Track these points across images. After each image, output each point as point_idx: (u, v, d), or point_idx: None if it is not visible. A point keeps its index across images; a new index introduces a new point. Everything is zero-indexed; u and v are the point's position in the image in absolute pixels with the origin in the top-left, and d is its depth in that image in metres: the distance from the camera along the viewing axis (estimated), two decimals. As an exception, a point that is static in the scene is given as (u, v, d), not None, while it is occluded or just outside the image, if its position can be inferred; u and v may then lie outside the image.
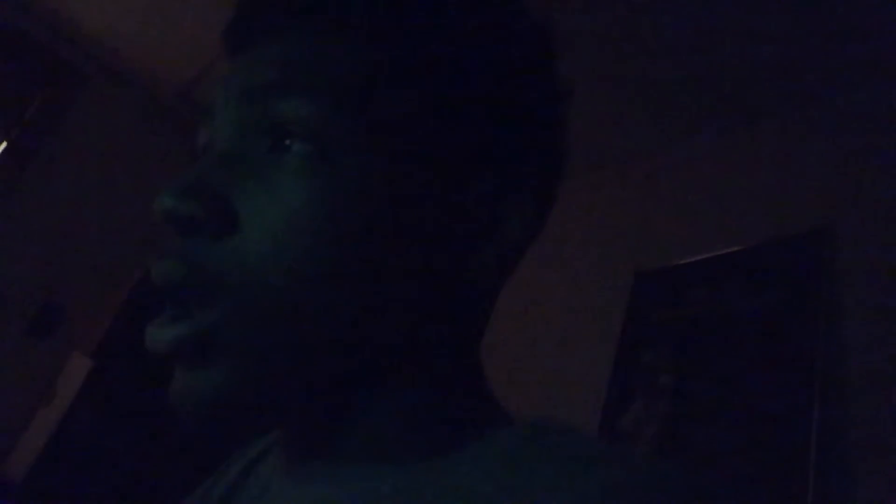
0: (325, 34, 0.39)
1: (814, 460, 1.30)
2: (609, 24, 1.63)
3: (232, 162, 0.38)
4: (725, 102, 1.76)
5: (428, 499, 0.35)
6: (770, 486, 1.35)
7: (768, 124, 1.76)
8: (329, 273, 0.36)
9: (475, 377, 0.44)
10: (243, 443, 0.54)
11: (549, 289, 2.04)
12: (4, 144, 2.42)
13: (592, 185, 2.09)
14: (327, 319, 0.36)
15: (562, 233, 1.98)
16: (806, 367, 1.40)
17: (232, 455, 0.55)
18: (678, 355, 1.67)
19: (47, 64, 2.49)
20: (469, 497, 0.34)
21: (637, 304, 1.83)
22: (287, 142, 0.36)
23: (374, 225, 0.37)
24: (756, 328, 1.55)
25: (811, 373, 1.38)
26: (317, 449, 0.41)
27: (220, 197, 0.36)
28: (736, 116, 1.79)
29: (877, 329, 1.36)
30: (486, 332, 0.45)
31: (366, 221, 0.37)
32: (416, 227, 0.38)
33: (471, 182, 0.40)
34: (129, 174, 2.54)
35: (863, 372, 1.35)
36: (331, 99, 0.37)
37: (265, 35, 0.40)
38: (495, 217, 0.40)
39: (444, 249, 0.39)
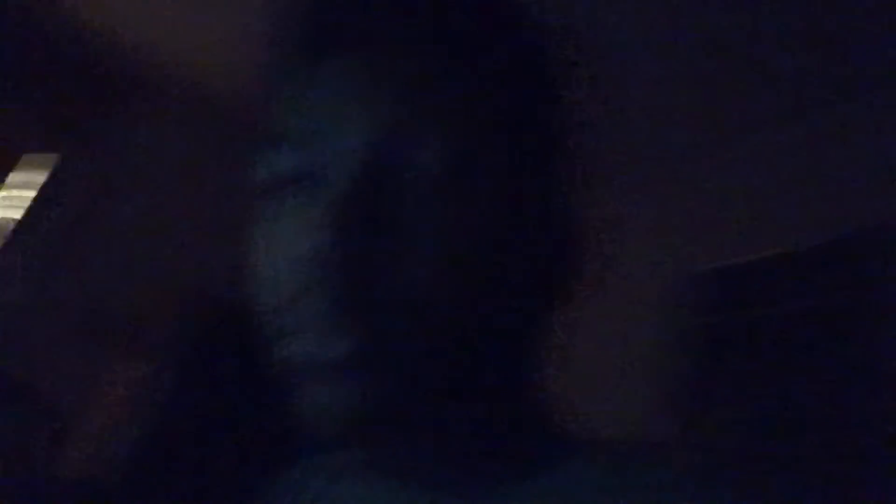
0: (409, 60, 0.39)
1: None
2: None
3: (373, 197, 0.37)
4: (782, 99, 1.70)
5: None
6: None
7: (838, 113, 1.69)
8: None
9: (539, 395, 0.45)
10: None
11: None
12: None
13: (642, 183, 2.04)
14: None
15: (612, 233, 1.94)
16: (868, 375, 1.34)
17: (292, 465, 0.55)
18: (734, 360, 1.62)
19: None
20: None
21: (691, 305, 1.78)
22: (414, 175, 0.37)
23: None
24: (814, 330, 1.50)
25: (877, 375, 1.33)
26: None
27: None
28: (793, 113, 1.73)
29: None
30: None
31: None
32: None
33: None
34: (181, 181, 2.58)
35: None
36: (470, 141, 0.38)
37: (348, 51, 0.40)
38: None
39: (511, 268, 0.41)
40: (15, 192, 2.23)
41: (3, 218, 2.18)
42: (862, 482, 1.23)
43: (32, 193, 2.23)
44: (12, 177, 2.24)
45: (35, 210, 2.20)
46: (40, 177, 2.28)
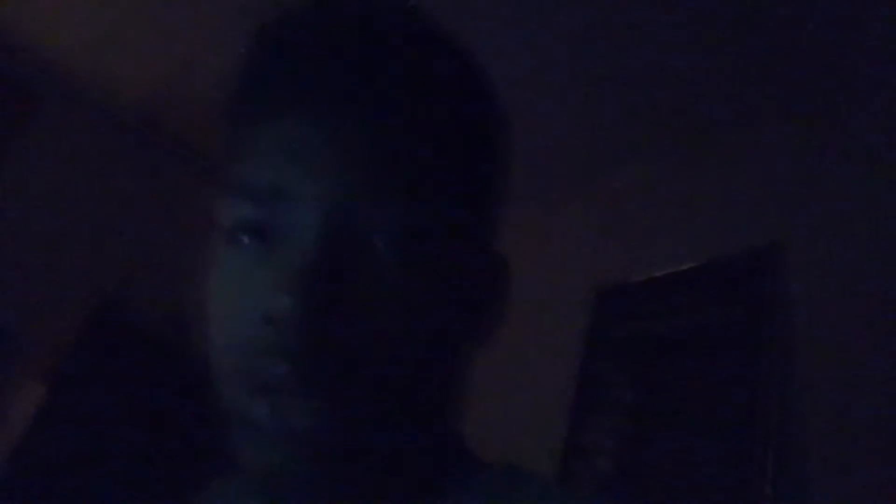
0: (386, 125, 0.41)
1: (771, 473, 1.33)
2: (570, 47, 1.67)
3: (339, 261, 0.39)
4: (678, 122, 1.81)
5: None
6: (728, 499, 1.38)
7: (720, 143, 1.81)
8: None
9: (456, 423, 0.48)
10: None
11: (510, 309, 2.06)
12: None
13: (551, 205, 2.12)
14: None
15: (521, 252, 2.00)
16: (762, 381, 1.43)
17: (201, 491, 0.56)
18: (638, 371, 1.70)
19: (1, 84, 2.44)
20: None
21: (597, 321, 1.86)
22: (378, 243, 0.39)
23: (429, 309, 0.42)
24: (711, 343, 1.59)
25: (767, 386, 1.42)
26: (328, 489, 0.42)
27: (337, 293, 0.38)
28: (689, 136, 1.84)
29: (828, 342, 1.41)
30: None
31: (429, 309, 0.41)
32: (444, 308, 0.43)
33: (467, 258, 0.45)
34: (86, 196, 2.49)
35: (816, 383, 1.39)
36: (429, 205, 0.41)
37: (313, 109, 0.41)
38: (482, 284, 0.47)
39: (454, 319, 0.44)
40: None
41: None
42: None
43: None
44: None
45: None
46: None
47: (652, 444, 1.58)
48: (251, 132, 0.43)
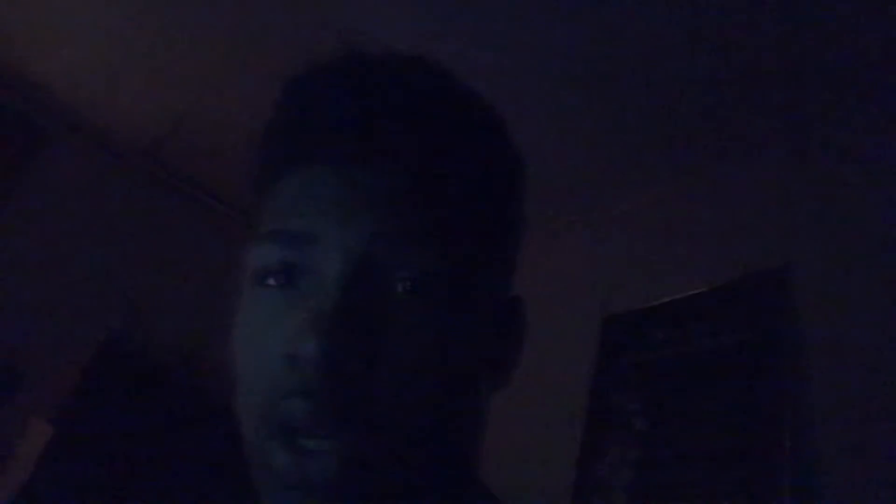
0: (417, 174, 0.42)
1: (787, 501, 1.31)
2: (576, 71, 1.68)
3: (362, 304, 0.39)
4: (684, 148, 1.81)
5: None
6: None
7: (726, 168, 1.81)
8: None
9: (476, 464, 0.48)
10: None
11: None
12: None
13: (558, 232, 2.11)
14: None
15: (529, 280, 1.99)
16: (775, 406, 1.41)
17: None
18: (649, 398, 1.68)
19: (5, 120, 2.47)
20: None
21: (606, 348, 1.84)
22: (403, 287, 0.40)
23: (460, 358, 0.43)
24: (723, 367, 1.57)
25: (781, 411, 1.40)
26: None
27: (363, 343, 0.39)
28: (695, 162, 1.84)
29: (837, 363, 1.39)
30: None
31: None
32: (470, 354, 0.44)
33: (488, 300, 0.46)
34: (91, 234, 2.51)
35: (828, 406, 1.37)
36: (450, 250, 0.41)
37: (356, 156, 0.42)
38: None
39: (476, 362, 0.45)
40: None
41: None
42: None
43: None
44: None
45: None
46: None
47: (665, 472, 1.55)
48: (280, 178, 0.45)
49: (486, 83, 0.50)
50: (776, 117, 1.64)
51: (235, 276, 0.45)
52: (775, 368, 1.45)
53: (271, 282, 0.42)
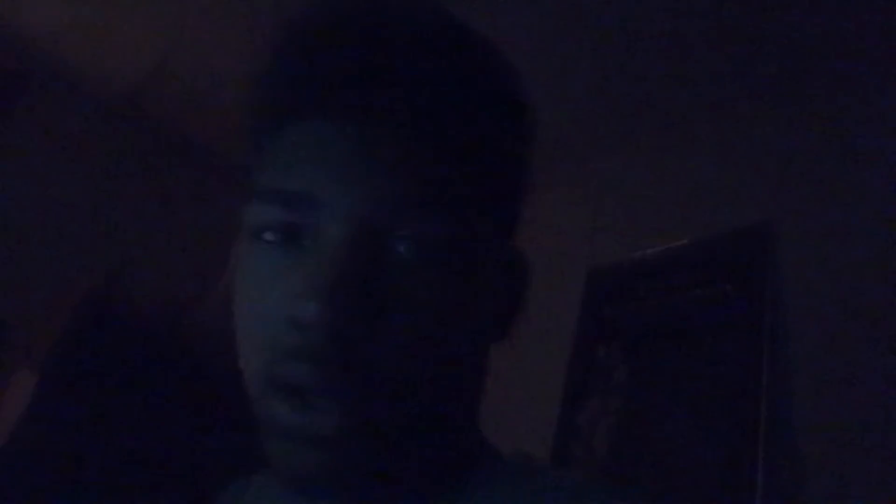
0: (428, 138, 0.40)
1: (762, 453, 1.34)
2: (558, 35, 1.66)
3: (364, 268, 0.39)
4: (669, 102, 1.80)
5: None
6: (720, 479, 1.39)
7: (711, 126, 1.81)
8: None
9: (477, 418, 0.49)
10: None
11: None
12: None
13: (543, 184, 2.11)
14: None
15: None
16: (754, 359, 1.44)
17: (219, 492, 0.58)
18: (631, 350, 1.71)
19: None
20: None
21: (590, 300, 1.86)
22: (405, 248, 0.39)
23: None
24: (704, 321, 1.59)
25: (759, 364, 1.43)
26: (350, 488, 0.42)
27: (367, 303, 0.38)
28: (681, 115, 1.83)
29: (818, 317, 1.42)
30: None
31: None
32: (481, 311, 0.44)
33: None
34: (75, 181, 2.47)
35: (808, 362, 1.40)
36: (454, 212, 0.41)
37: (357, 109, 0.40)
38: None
39: (478, 319, 0.44)
40: None
41: None
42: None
43: None
44: None
45: None
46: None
47: (646, 424, 1.59)
48: (278, 131, 0.42)
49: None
50: (765, 78, 1.63)
51: (230, 228, 0.44)
52: (755, 320, 1.48)
53: (270, 237, 0.41)
